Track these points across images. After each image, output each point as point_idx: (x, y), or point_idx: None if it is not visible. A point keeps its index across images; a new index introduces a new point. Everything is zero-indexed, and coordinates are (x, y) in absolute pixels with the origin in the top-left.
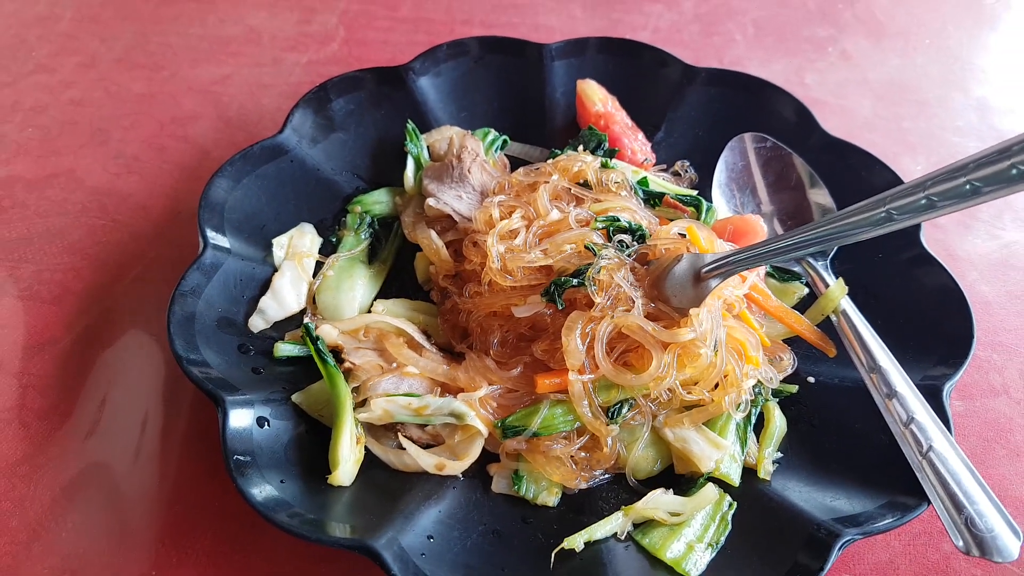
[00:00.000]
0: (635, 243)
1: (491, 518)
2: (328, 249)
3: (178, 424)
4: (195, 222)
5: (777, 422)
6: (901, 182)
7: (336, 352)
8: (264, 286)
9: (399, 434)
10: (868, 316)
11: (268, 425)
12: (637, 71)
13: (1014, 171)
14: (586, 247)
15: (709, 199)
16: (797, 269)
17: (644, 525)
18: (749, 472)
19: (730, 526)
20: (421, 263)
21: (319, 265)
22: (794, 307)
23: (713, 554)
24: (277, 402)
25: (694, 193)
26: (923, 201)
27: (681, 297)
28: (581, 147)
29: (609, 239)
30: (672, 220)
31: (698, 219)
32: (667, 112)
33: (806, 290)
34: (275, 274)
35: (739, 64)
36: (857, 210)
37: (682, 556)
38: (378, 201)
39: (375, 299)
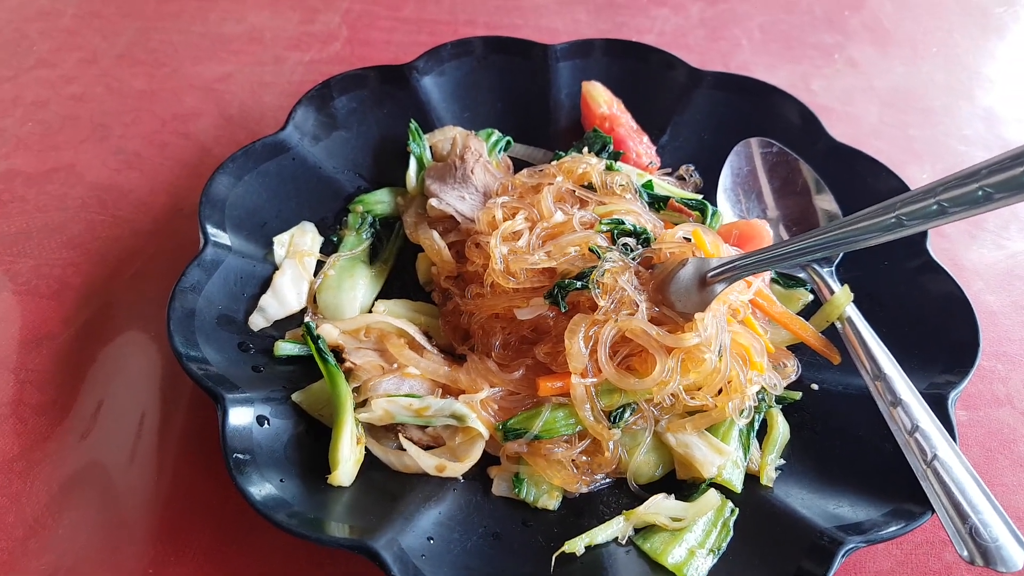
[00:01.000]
0: (640, 246)
1: (491, 520)
2: (329, 248)
3: (176, 421)
4: (195, 219)
5: (780, 428)
6: (907, 189)
7: (337, 352)
8: (265, 284)
9: (399, 435)
10: (873, 323)
11: (268, 424)
12: (643, 74)
13: None
14: (590, 250)
15: (714, 204)
16: (802, 275)
17: (645, 530)
18: (751, 478)
19: (732, 532)
20: (423, 264)
21: (320, 264)
22: (799, 313)
23: (715, 560)
24: (277, 401)
25: (699, 197)
26: (934, 207)
27: (686, 301)
28: (586, 149)
29: (613, 242)
30: (677, 224)
31: (703, 223)
32: (673, 115)
33: (811, 296)
34: (276, 272)
35: (745, 70)
36: (866, 215)
37: (683, 561)
38: (380, 201)
39: (376, 299)
